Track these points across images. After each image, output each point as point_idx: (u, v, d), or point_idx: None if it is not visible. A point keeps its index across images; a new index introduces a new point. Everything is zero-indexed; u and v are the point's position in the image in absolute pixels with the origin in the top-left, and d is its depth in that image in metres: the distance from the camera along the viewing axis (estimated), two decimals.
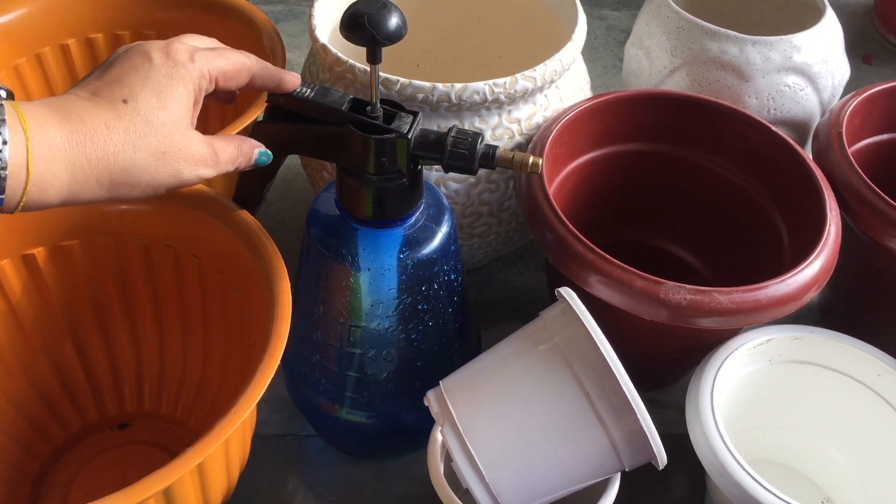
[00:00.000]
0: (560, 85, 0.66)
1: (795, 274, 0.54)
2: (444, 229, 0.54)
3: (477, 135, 0.49)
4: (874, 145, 0.71)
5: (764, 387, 0.60)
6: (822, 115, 0.74)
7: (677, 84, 0.72)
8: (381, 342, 0.55)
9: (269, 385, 0.46)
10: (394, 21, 0.44)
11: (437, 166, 0.50)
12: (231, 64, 0.46)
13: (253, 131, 0.53)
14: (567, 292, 0.51)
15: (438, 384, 0.52)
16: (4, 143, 0.37)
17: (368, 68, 0.48)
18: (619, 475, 0.51)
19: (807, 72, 0.70)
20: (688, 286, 0.52)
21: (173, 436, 0.63)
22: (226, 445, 0.49)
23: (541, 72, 0.61)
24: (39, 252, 0.58)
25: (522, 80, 0.60)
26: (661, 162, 0.69)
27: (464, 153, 0.48)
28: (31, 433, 0.61)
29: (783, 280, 0.54)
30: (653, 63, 0.74)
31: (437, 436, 0.52)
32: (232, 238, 0.55)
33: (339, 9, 0.69)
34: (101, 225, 0.58)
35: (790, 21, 0.79)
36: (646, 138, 0.69)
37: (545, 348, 0.49)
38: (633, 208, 0.72)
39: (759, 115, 0.67)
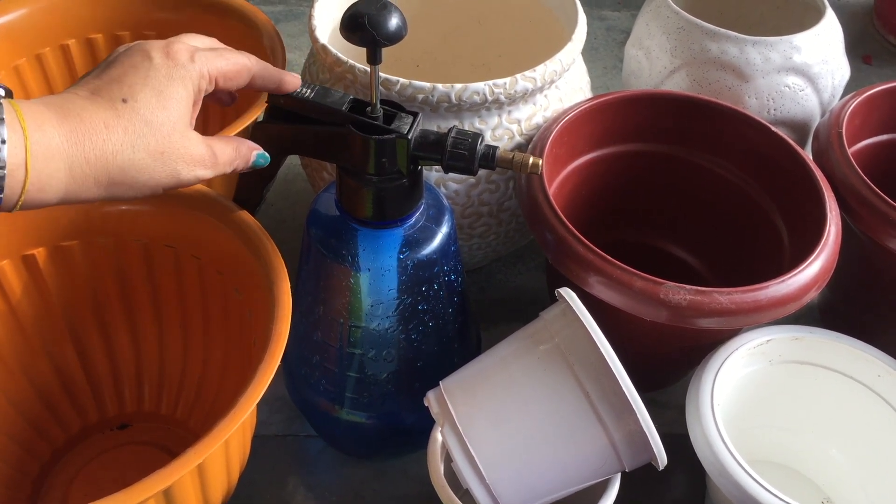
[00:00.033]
0: (560, 85, 0.66)
1: (795, 274, 0.54)
2: (444, 230, 0.54)
3: (477, 135, 0.49)
4: (874, 146, 0.71)
5: (764, 387, 0.60)
6: (822, 115, 0.74)
7: (677, 84, 0.72)
8: (381, 343, 0.55)
9: (269, 385, 0.46)
10: (394, 22, 0.44)
11: (436, 167, 0.50)
12: (231, 65, 0.46)
13: (253, 132, 0.53)
14: (567, 293, 0.51)
15: (438, 385, 0.52)
16: (3, 142, 0.37)
17: (368, 69, 0.48)
18: (619, 475, 0.51)
19: (807, 72, 0.70)
20: (688, 286, 0.52)
21: (173, 436, 0.63)
22: (226, 446, 0.49)
23: (541, 72, 0.61)
24: (39, 252, 0.58)
25: (522, 81, 0.60)
26: (661, 162, 0.69)
27: (464, 154, 0.48)
28: (32, 433, 0.61)
29: (783, 280, 0.54)
30: (653, 63, 0.74)
31: (437, 436, 0.52)
32: (232, 238, 0.55)
33: (339, 9, 0.69)
34: (102, 225, 0.58)
35: (790, 21, 0.79)
36: (646, 139, 0.69)
37: (545, 349, 0.49)
38: (633, 209, 0.72)
39: (759, 116, 0.67)
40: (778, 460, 0.64)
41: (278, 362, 0.47)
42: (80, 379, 0.63)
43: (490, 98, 0.59)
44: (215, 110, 0.75)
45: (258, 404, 0.46)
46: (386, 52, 0.46)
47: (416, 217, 0.53)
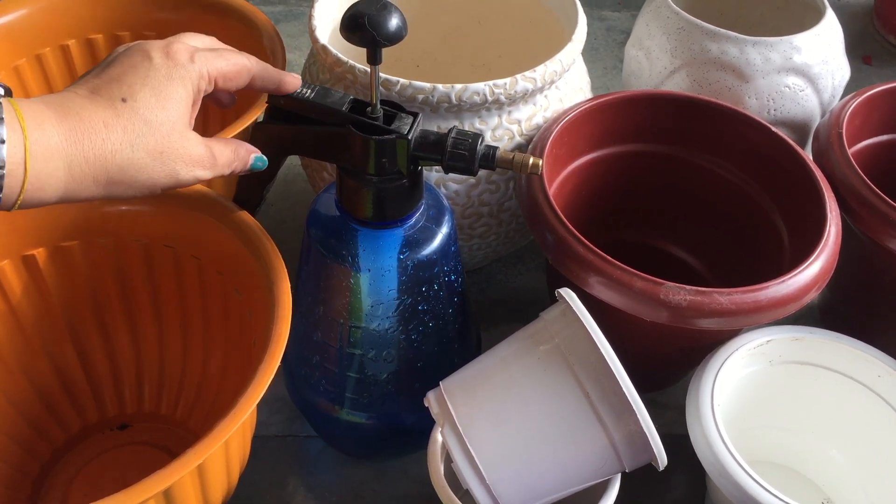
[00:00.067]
0: (560, 86, 0.66)
1: (796, 275, 0.54)
2: (444, 230, 0.54)
3: (477, 136, 0.49)
4: (874, 146, 0.71)
5: (764, 387, 0.60)
6: (823, 115, 0.74)
7: (677, 85, 0.72)
8: (381, 343, 0.55)
9: (269, 386, 0.46)
10: (394, 22, 0.44)
11: (437, 167, 0.50)
12: (231, 65, 0.46)
13: (253, 132, 0.53)
14: (567, 293, 0.51)
15: (438, 385, 0.52)
16: (2, 141, 0.37)
17: (368, 69, 0.48)
18: (619, 476, 0.51)
19: (807, 72, 0.70)
20: (688, 287, 0.52)
21: (173, 437, 0.63)
22: (226, 446, 0.49)
23: (541, 72, 0.61)
24: (40, 253, 0.58)
25: (523, 81, 0.60)
26: (661, 163, 0.69)
27: (464, 154, 0.48)
28: (32, 434, 0.61)
29: (783, 281, 0.54)
30: (653, 64, 0.74)
31: (438, 437, 0.52)
32: (232, 239, 0.55)
33: (339, 9, 0.69)
34: (102, 225, 0.58)
35: (790, 21, 0.79)
36: (646, 139, 0.69)
37: (545, 349, 0.49)
38: (633, 209, 0.72)
39: (759, 116, 0.67)
40: (778, 461, 0.64)
41: (278, 363, 0.47)
42: (80, 379, 0.63)
43: (490, 98, 0.59)
44: (215, 110, 0.75)
45: (258, 405, 0.46)
46: (386, 52, 0.46)
47: (417, 217, 0.53)
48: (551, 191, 0.60)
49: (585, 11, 0.68)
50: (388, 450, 0.63)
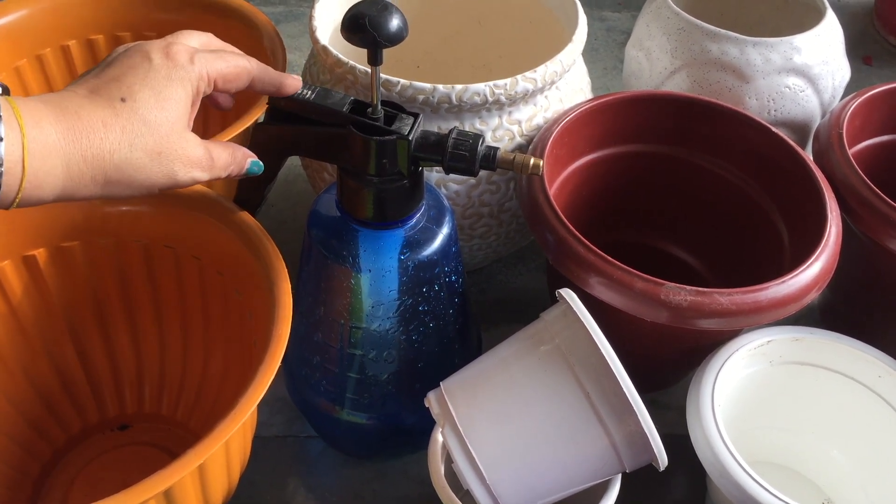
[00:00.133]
0: (560, 86, 0.66)
1: (796, 275, 0.54)
2: (444, 231, 0.54)
3: (478, 136, 0.49)
4: (875, 146, 0.71)
5: (764, 388, 0.60)
6: (823, 116, 0.74)
7: (678, 85, 0.72)
8: (381, 343, 0.55)
9: (269, 386, 0.46)
10: (395, 23, 0.44)
11: (437, 168, 0.50)
12: (231, 67, 0.46)
13: (254, 133, 0.53)
14: (568, 293, 0.51)
15: (439, 385, 0.52)
16: (0, 140, 0.37)
17: (369, 70, 0.48)
18: (619, 476, 0.51)
19: (807, 73, 0.71)
20: (688, 287, 0.52)
21: (174, 437, 0.63)
22: (226, 447, 0.49)
23: (541, 73, 0.61)
24: (40, 253, 0.58)
25: (523, 82, 0.60)
26: (661, 163, 0.69)
27: (465, 155, 0.48)
28: (32, 434, 0.61)
29: (784, 281, 0.54)
30: (653, 64, 0.74)
31: (438, 437, 0.52)
32: (232, 239, 0.55)
33: (339, 10, 0.69)
34: (102, 226, 0.58)
35: (790, 22, 0.79)
36: (646, 140, 0.69)
37: (546, 349, 0.49)
38: (633, 209, 0.72)
39: (759, 117, 0.67)
40: (778, 461, 0.64)
41: (279, 363, 0.47)
42: (80, 379, 0.63)
43: (490, 99, 0.59)
44: (215, 111, 0.75)
45: (259, 405, 0.46)
46: (386, 53, 0.46)
47: (417, 218, 0.53)
48: (552, 191, 0.60)
49: (586, 12, 0.68)
50: (388, 450, 0.63)
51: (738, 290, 0.53)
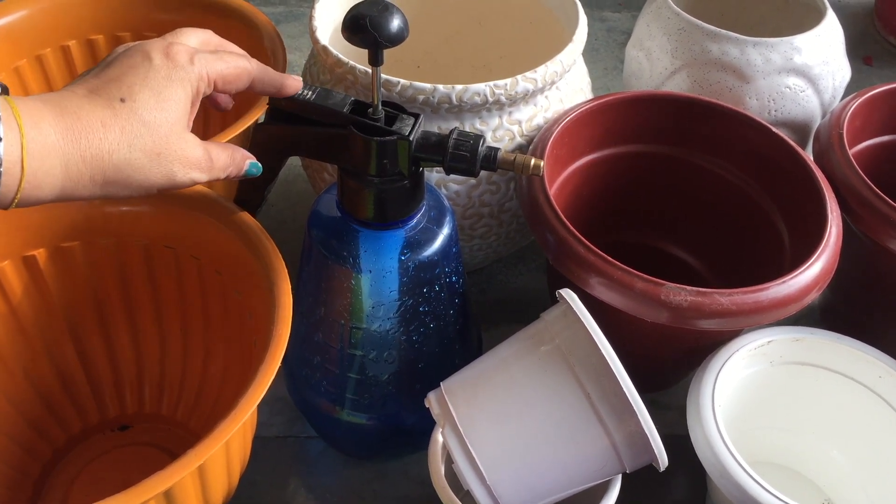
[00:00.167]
0: (561, 86, 0.66)
1: (796, 275, 0.54)
2: (445, 231, 0.54)
3: (478, 137, 0.49)
4: (875, 147, 0.71)
5: (765, 388, 0.60)
6: (823, 116, 0.74)
7: (678, 85, 0.72)
8: (382, 344, 0.55)
9: (269, 387, 0.46)
10: (395, 23, 0.44)
11: (437, 168, 0.50)
12: (231, 68, 0.46)
13: (254, 133, 0.53)
14: (568, 294, 0.51)
15: (439, 386, 0.52)
16: None
17: (370, 70, 0.48)
18: (619, 477, 0.51)
19: (807, 73, 0.70)
20: (689, 288, 0.52)
21: (174, 437, 0.63)
22: (227, 447, 0.49)
23: (542, 73, 0.61)
24: (40, 253, 0.58)
25: (523, 82, 0.60)
26: (661, 163, 0.69)
27: (465, 155, 0.48)
28: (32, 434, 0.61)
29: (784, 281, 0.54)
30: (653, 64, 0.74)
31: (438, 437, 0.52)
32: (233, 239, 0.55)
33: (340, 10, 0.69)
34: (102, 226, 0.58)
35: (791, 22, 0.79)
36: (646, 140, 0.69)
37: (546, 350, 0.49)
38: (633, 210, 0.72)
39: (759, 117, 0.67)
40: (779, 461, 0.64)
41: (279, 364, 0.47)
42: (80, 380, 0.63)
43: (491, 99, 0.59)
44: (216, 111, 0.75)
45: (259, 405, 0.46)
46: (387, 53, 0.46)
47: (418, 218, 0.53)
48: (552, 191, 0.60)
49: (586, 12, 0.68)
50: (388, 451, 0.63)
51: (738, 290, 0.53)
